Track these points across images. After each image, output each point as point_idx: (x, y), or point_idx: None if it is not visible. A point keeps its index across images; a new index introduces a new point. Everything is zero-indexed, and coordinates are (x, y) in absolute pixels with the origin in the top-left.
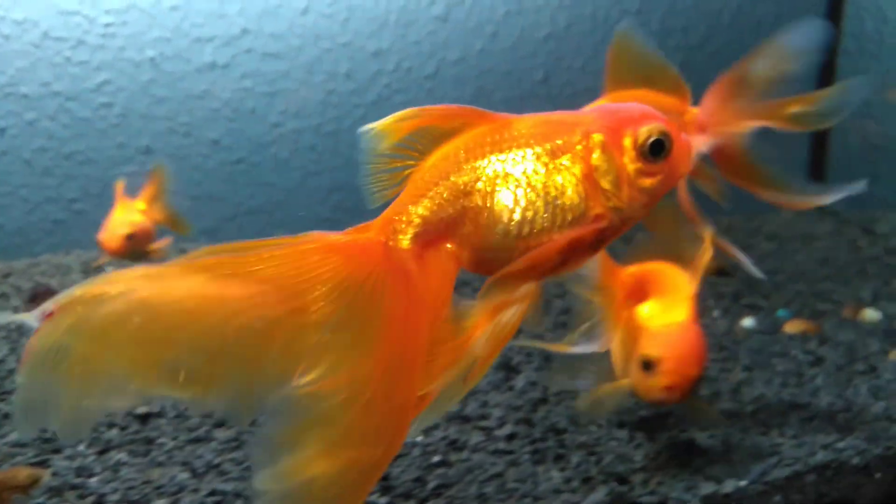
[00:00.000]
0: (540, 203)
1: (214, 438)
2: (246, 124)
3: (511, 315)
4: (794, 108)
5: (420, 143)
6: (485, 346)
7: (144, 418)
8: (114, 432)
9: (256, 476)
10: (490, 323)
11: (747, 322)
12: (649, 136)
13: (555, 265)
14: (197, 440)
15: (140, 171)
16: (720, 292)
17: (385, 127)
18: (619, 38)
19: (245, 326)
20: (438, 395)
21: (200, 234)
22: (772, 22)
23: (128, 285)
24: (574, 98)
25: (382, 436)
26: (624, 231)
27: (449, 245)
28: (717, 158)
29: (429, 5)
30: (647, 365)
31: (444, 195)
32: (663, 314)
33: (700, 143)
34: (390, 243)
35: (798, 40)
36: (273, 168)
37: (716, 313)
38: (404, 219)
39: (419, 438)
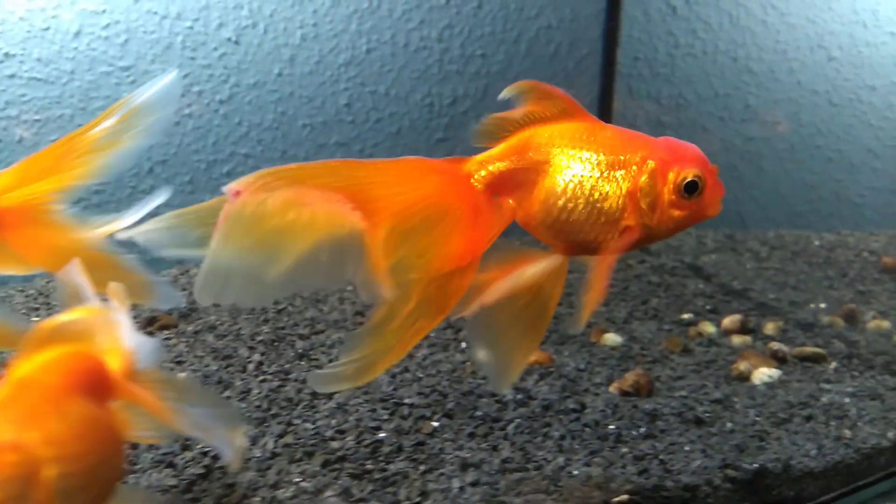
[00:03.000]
0: (582, 201)
1: None
2: (13, 155)
3: (541, 267)
4: None
5: (526, 119)
6: (515, 281)
7: None
8: None
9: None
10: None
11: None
12: (686, 177)
13: (586, 250)
14: None
15: None
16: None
17: (517, 88)
18: None
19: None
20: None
21: None
22: (567, 50)
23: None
24: (378, 124)
25: (428, 311)
26: (645, 244)
27: (510, 200)
28: None
29: (218, 28)
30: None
31: (520, 164)
32: None
33: None
34: (472, 179)
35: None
36: None
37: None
38: (489, 167)
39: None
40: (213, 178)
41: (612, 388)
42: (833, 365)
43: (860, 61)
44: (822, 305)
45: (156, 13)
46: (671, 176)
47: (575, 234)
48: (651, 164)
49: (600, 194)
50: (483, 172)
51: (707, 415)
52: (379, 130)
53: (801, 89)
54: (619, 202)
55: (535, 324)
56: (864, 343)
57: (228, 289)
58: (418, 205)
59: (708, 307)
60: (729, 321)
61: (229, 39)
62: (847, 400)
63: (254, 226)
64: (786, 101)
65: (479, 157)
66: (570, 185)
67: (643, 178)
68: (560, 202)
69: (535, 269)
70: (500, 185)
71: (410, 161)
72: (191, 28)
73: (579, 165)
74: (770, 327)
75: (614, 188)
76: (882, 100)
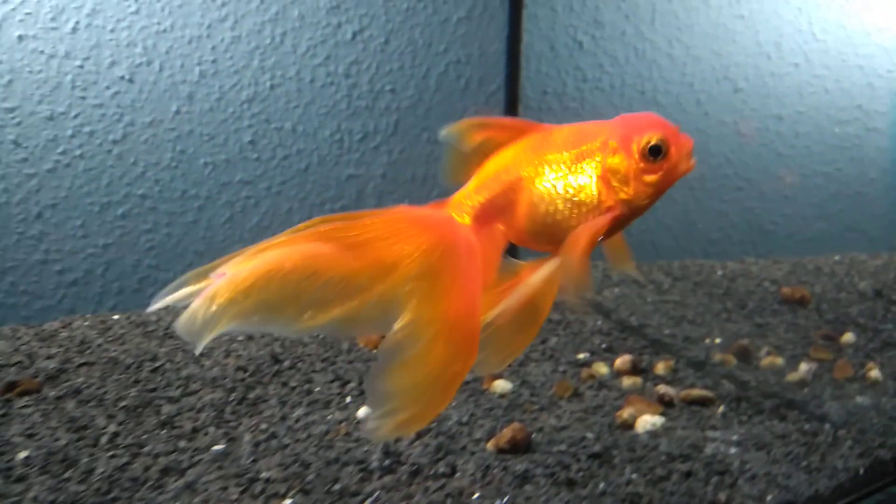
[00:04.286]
0: (560, 200)
1: None
2: None
3: (543, 272)
4: None
5: (485, 148)
6: (522, 291)
7: None
8: None
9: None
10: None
11: (363, 411)
12: (649, 141)
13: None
14: None
15: None
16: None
17: (456, 129)
18: None
19: (351, 278)
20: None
21: None
22: (476, 85)
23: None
24: (286, 160)
25: (458, 356)
26: (635, 217)
27: (500, 225)
28: None
29: (110, 66)
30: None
31: (496, 189)
32: None
33: None
34: (457, 219)
35: None
36: None
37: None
38: (469, 203)
39: None
40: (108, 221)
41: (490, 445)
42: (721, 409)
43: (766, 92)
44: (717, 341)
45: (42, 52)
46: (634, 147)
47: (564, 231)
48: (612, 143)
49: (574, 188)
50: (466, 209)
51: (581, 474)
52: (286, 167)
53: (709, 120)
54: (594, 189)
55: (528, 324)
56: (755, 383)
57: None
58: (416, 259)
59: (604, 346)
60: (620, 362)
61: (122, 78)
62: (732, 451)
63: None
64: (694, 132)
65: (457, 195)
66: (545, 190)
67: (609, 159)
68: (541, 209)
69: (539, 276)
70: (486, 215)
71: (395, 215)
72: (81, 67)
73: (547, 170)
74: (661, 367)
75: (585, 178)
76: (789, 128)
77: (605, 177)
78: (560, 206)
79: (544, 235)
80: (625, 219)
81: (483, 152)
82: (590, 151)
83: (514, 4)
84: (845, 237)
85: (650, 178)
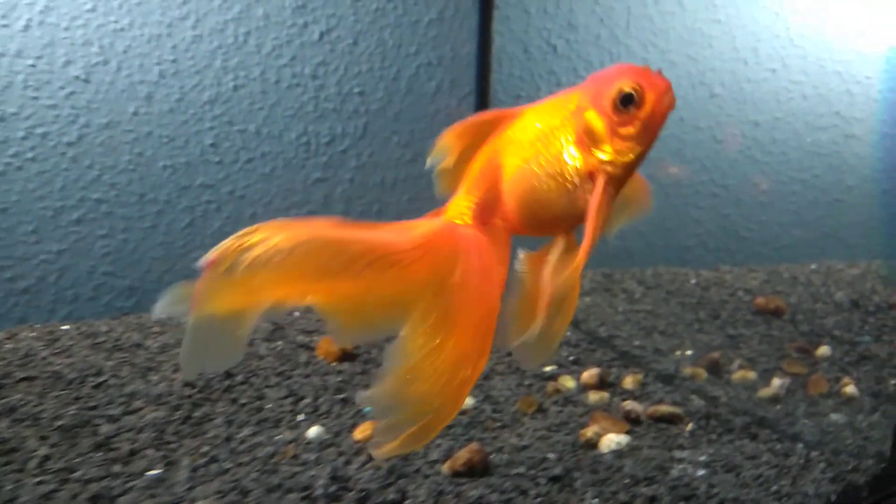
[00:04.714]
0: (542, 177)
1: None
2: None
3: (557, 252)
4: None
5: (470, 152)
6: (547, 279)
7: None
8: None
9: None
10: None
11: (313, 432)
12: (619, 90)
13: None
14: None
15: None
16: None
17: (438, 150)
18: None
19: (355, 272)
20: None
21: None
22: (448, 87)
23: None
24: (250, 164)
25: (472, 357)
26: (626, 177)
27: (498, 220)
28: None
29: (65, 65)
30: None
31: (485, 185)
32: None
33: None
34: (459, 224)
35: None
36: None
37: (305, 415)
38: (465, 205)
39: None
40: (61, 227)
41: (446, 468)
42: (689, 427)
43: (742, 97)
44: (689, 353)
45: None
46: (605, 101)
47: (555, 209)
48: (583, 104)
49: (553, 161)
50: (464, 211)
51: (538, 500)
52: (250, 171)
53: (685, 125)
54: (573, 157)
55: (564, 306)
56: (726, 399)
57: (211, 356)
58: (425, 267)
59: (572, 358)
60: (588, 375)
61: (77, 77)
62: (700, 473)
63: (237, 284)
64: (669, 137)
65: (452, 202)
66: (527, 172)
67: (582, 122)
68: (527, 191)
69: (553, 260)
70: (484, 214)
71: (397, 232)
72: (33, 66)
73: (525, 150)
74: (629, 381)
75: (560, 149)
76: (766, 135)
77: (582, 141)
78: (544, 184)
79: (538, 218)
80: (618, 180)
81: (468, 158)
82: (563, 120)
83: (485, 6)
84: (823, 245)
85: (628, 130)
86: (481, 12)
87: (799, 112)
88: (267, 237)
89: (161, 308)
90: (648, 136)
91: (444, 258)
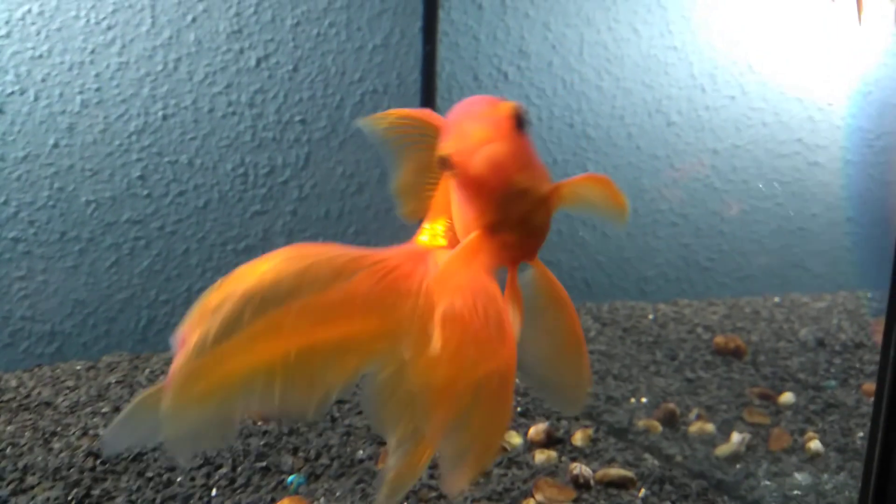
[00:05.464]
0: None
1: None
2: None
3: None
4: None
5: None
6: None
7: None
8: None
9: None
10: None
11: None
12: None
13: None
14: None
15: None
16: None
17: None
18: None
19: (338, 311)
20: None
21: None
22: None
23: (231, 286)
24: (181, 197)
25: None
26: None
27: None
28: None
29: None
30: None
31: (445, 207)
32: None
33: None
34: (434, 249)
35: None
36: None
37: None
38: (437, 229)
39: None
40: None
41: None
42: (642, 492)
43: (700, 125)
44: (644, 400)
45: None
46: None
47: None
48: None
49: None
50: (437, 236)
51: None
52: (182, 204)
53: (642, 154)
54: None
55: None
56: (681, 458)
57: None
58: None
59: (519, 409)
60: (534, 431)
61: None
62: None
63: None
64: (626, 166)
65: (424, 230)
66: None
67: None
68: (453, 211)
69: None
70: (454, 237)
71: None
72: None
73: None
74: (579, 436)
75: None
76: (725, 163)
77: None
78: (455, 199)
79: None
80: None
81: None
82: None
83: (431, 32)
84: (787, 274)
85: (457, 188)
86: (426, 38)
87: (760, 139)
88: (233, 287)
89: (115, 436)
90: (484, 203)
91: (418, 279)
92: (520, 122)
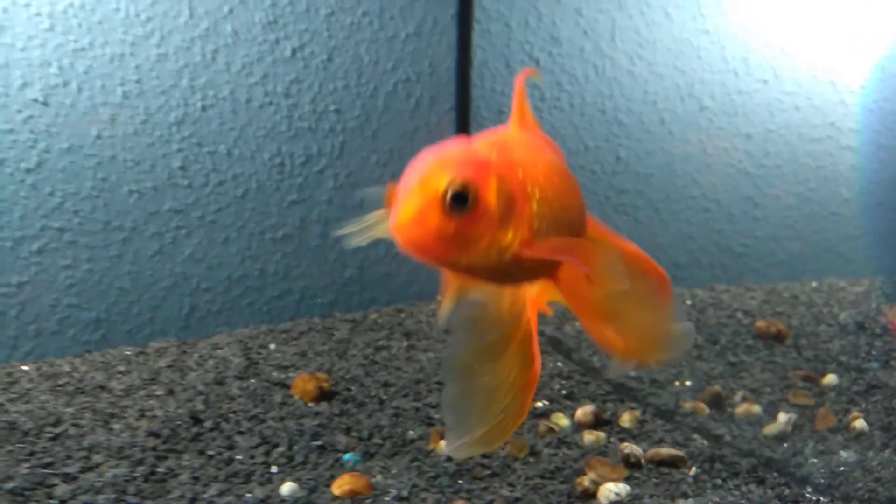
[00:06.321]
0: None
1: None
2: None
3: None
4: None
5: None
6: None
7: None
8: None
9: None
10: None
11: (286, 488)
12: None
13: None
14: None
15: None
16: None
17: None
18: None
19: None
20: None
21: None
22: (428, 104)
23: None
24: (221, 186)
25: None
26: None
27: None
28: None
29: (22, 87)
30: None
31: None
32: None
33: None
34: None
35: None
36: None
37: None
38: None
39: None
40: (21, 258)
41: None
42: (693, 471)
43: (733, 110)
44: (688, 383)
45: None
46: None
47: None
48: None
49: None
50: None
51: None
52: (221, 194)
53: (674, 139)
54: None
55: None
56: (730, 438)
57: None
58: None
59: (564, 392)
60: (582, 413)
61: (36, 100)
62: None
63: None
64: (658, 151)
65: None
66: None
67: None
68: None
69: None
70: None
71: None
72: None
73: None
74: (626, 418)
75: None
76: (759, 147)
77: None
78: None
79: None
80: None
81: None
82: None
83: (465, 20)
84: (821, 260)
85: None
86: (460, 26)
87: (792, 124)
88: None
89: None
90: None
91: None
92: (455, 198)
